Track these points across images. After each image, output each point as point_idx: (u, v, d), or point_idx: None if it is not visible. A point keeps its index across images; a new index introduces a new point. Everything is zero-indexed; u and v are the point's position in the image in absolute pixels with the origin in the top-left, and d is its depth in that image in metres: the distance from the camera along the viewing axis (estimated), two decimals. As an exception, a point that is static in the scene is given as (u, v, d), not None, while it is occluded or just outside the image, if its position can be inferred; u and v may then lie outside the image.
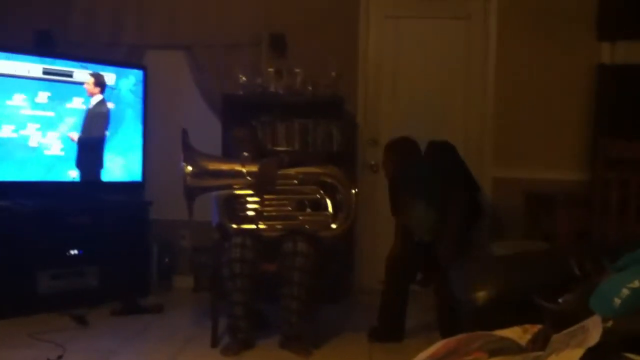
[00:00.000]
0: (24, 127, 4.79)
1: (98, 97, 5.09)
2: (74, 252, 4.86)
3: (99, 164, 5.17)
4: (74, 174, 5.04)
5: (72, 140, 5.02)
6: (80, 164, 5.07)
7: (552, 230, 4.64)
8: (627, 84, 5.08)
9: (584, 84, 5.28)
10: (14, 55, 4.74)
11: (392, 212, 4.49)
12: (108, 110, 5.16)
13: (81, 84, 5.02)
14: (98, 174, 5.18)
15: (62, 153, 4.97)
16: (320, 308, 4.22)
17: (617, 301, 2.04)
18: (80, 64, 5.03)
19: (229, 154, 4.52)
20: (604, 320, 1.87)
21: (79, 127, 5.04)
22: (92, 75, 5.06)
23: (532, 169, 5.32)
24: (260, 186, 3.89)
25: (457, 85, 5.46)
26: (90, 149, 5.12)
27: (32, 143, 4.82)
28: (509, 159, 5.39)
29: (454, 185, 4.13)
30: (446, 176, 4.17)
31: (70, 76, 4.98)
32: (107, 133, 5.17)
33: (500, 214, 5.28)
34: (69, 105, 4.98)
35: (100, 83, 5.09)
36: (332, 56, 5.27)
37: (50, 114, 4.90)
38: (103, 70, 5.11)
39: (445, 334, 2.57)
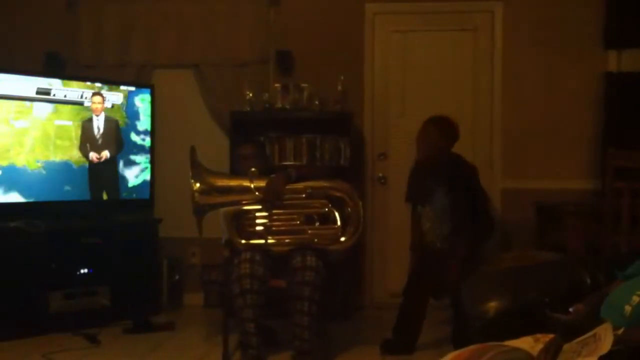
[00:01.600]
0: (33, 148, 4.82)
1: (103, 115, 5.14)
2: (84, 271, 4.88)
3: (113, 182, 5.21)
4: (83, 194, 5.07)
5: (98, 160, 5.10)
6: (95, 182, 5.12)
7: (563, 241, 4.61)
8: (635, 92, 5.07)
9: (591, 92, 5.27)
10: (22, 77, 4.78)
11: (407, 197, 4.48)
12: (117, 128, 5.20)
13: (89, 104, 5.06)
14: (115, 191, 5.23)
15: (70, 173, 5.00)
16: (331, 323, 4.20)
17: (628, 309, 2.03)
18: (89, 83, 5.07)
19: (236, 171, 4.53)
20: (616, 328, 1.86)
21: (94, 146, 5.10)
22: (98, 94, 5.11)
23: (541, 180, 5.31)
24: (268, 201, 3.89)
25: (464, 97, 5.46)
26: (103, 167, 5.17)
27: (42, 164, 4.85)
28: (518, 170, 5.38)
29: (472, 203, 4.13)
30: (462, 191, 4.16)
31: (79, 97, 5.02)
32: (117, 150, 5.21)
33: (510, 225, 5.26)
34: (77, 125, 5.02)
35: (105, 101, 5.14)
36: (339, 71, 5.30)
37: (59, 134, 4.93)
38: (111, 90, 5.15)
39: (459, 347, 2.56)
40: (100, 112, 5.13)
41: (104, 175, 5.18)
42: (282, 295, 3.98)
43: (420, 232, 4.33)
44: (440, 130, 4.24)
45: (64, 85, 4.96)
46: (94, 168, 5.11)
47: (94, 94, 5.10)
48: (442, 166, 4.23)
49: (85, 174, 5.07)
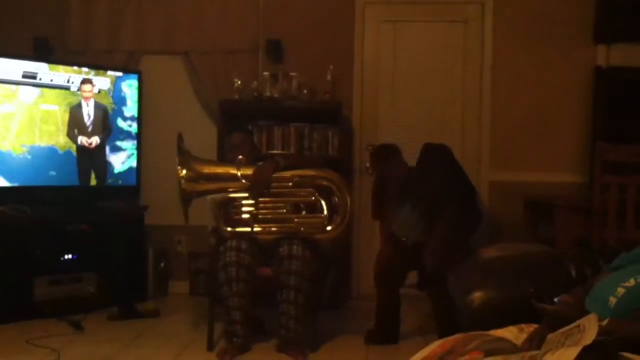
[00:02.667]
0: (19, 132, 4.78)
1: (93, 101, 5.10)
2: (69, 257, 4.85)
3: (102, 167, 5.19)
4: (68, 179, 5.03)
5: (88, 146, 5.08)
6: (83, 169, 5.10)
7: (551, 234, 4.62)
8: (624, 87, 5.08)
9: (581, 86, 5.28)
10: (8, 61, 4.74)
11: (373, 215, 4.60)
12: (107, 114, 5.18)
13: (76, 89, 5.02)
14: (103, 178, 5.22)
15: (56, 158, 4.96)
16: (318, 313, 4.21)
17: (613, 300, 2.03)
18: (75, 68, 5.03)
19: (224, 159, 4.51)
20: (600, 320, 1.86)
21: (84, 133, 5.08)
22: (88, 80, 5.07)
23: (529, 172, 5.32)
24: (255, 189, 3.87)
25: (454, 89, 5.46)
26: (92, 153, 5.15)
27: (27, 149, 4.81)
28: (506, 163, 5.38)
29: (445, 190, 4.13)
30: (437, 181, 4.17)
31: (66, 81, 4.97)
32: (107, 136, 5.19)
33: (498, 217, 5.27)
34: (63, 110, 4.98)
35: (95, 87, 5.11)
36: (328, 61, 5.28)
37: (45, 118, 4.90)
38: (98, 75, 5.11)
39: (443, 336, 2.57)
40: (90, 99, 5.10)
41: (93, 161, 5.16)
42: (270, 284, 3.98)
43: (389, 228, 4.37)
44: (396, 154, 4.37)
45: (51, 69, 4.91)
46: (83, 153, 5.09)
47: (83, 82, 5.06)
48: (404, 182, 4.29)
49: (71, 159, 5.04)
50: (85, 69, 5.07)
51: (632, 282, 2.04)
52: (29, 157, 4.83)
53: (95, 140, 5.12)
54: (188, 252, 5.53)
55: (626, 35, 5.16)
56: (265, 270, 4.00)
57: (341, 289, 5.28)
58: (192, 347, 4.11)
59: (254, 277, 3.93)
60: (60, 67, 4.97)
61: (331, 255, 4.39)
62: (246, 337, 3.96)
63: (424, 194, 4.17)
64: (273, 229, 3.94)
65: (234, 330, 3.93)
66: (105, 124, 5.18)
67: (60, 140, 4.97)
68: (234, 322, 3.92)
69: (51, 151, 4.93)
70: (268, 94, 5.25)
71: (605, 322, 1.84)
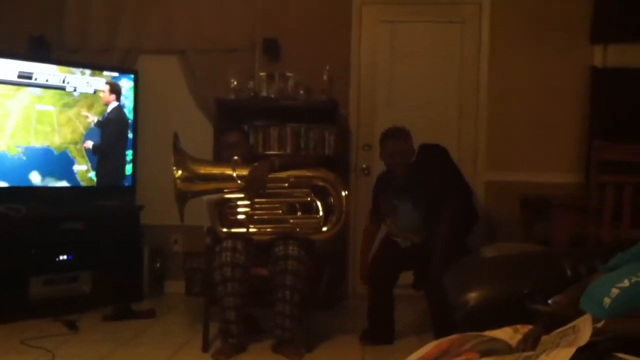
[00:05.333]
0: (14, 133, 4.76)
1: (114, 104, 5.13)
2: (65, 257, 4.84)
3: (120, 170, 5.23)
4: (64, 180, 5.02)
5: (87, 148, 5.08)
6: (99, 171, 5.14)
7: (547, 234, 4.62)
8: (620, 87, 5.09)
9: (577, 87, 5.28)
10: (4, 60, 4.71)
11: (370, 219, 4.57)
12: (126, 117, 5.21)
13: (71, 89, 5.00)
14: (119, 180, 5.27)
15: (51, 159, 4.95)
16: (314, 313, 4.20)
17: (607, 301, 2.03)
18: (71, 68, 5.01)
19: (220, 159, 4.50)
20: (595, 320, 1.85)
21: (95, 136, 5.11)
22: (107, 83, 5.12)
23: (526, 173, 5.32)
24: (250, 189, 3.87)
25: (450, 89, 5.45)
26: (109, 156, 5.19)
27: (22, 149, 4.80)
28: (502, 163, 5.38)
29: (445, 190, 4.12)
30: (436, 182, 4.16)
31: (61, 81, 4.96)
32: (126, 139, 5.24)
33: (495, 217, 5.27)
34: (59, 111, 4.96)
35: (115, 90, 5.15)
36: (325, 61, 5.27)
37: (41, 119, 4.88)
38: (94, 75, 5.09)
39: (439, 337, 2.57)
40: (109, 102, 5.16)
41: (104, 163, 5.19)
42: (265, 284, 3.97)
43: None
44: (409, 138, 4.30)
45: (47, 69, 4.89)
46: (98, 157, 5.15)
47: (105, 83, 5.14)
48: (405, 179, 4.26)
49: (66, 160, 5.02)
50: (81, 69, 5.05)
51: (626, 283, 2.04)
52: (24, 157, 4.81)
53: (88, 143, 5.11)
54: (184, 251, 5.50)
55: (622, 35, 5.16)
56: (261, 270, 4.00)
57: (337, 289, 5.26)
58: (188, 347, 4.10)
59: (249, 277, 3.92)
60: (56, 68, 4.95)
61: (326, 252, 4.38)
62: (241, 337, 3.95)
63: (424, 193, 4.16)
64: (268, 229, 3.94)
65: (229, 330, 3.93)
66: (115, 130, 5.21)
67: (55, 141, 4.95)
68: (229, 322, 3.92)
69: (46, 152, 4.92)
70: (264, 93, 5.25)
71: (600, 324, 1.84)
